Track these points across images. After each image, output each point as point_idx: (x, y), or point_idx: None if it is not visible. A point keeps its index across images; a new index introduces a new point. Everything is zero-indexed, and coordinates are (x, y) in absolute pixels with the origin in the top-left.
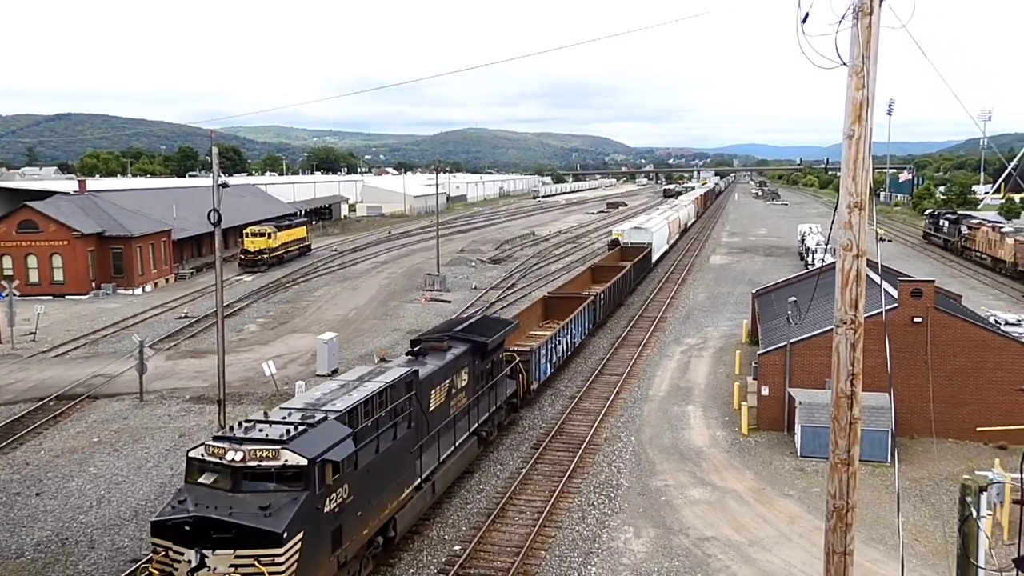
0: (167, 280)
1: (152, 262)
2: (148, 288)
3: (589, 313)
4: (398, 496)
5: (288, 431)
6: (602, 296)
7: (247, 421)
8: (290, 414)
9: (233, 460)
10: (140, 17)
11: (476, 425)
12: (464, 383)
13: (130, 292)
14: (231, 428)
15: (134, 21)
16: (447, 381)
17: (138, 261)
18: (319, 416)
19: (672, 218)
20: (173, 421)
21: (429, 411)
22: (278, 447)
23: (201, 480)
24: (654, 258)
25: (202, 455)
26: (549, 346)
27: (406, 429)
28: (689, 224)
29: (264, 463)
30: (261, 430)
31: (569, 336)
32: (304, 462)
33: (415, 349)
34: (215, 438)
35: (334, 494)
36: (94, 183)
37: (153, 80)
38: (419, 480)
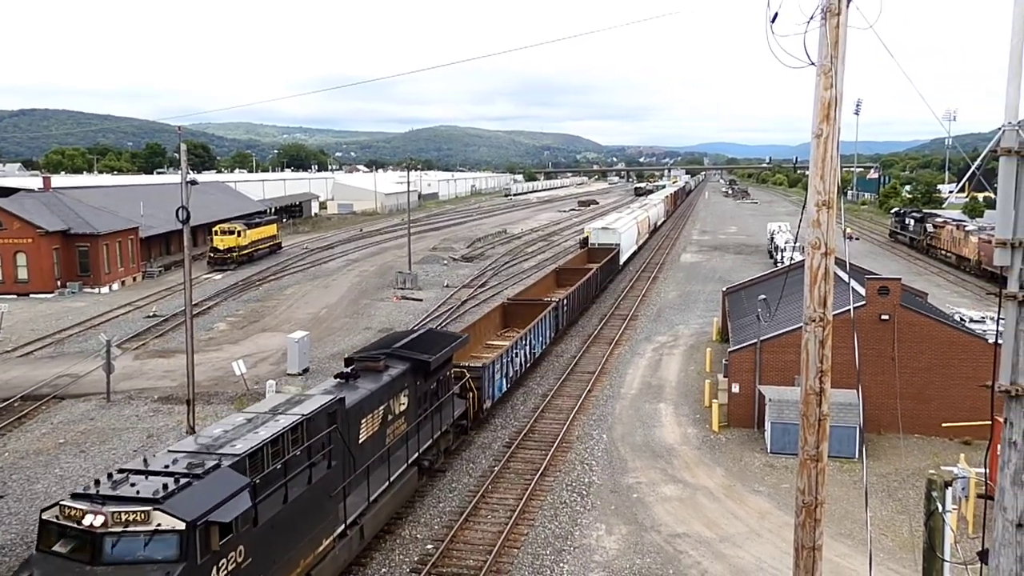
0: (135, 278)
1: (119, 260)
2: (115, 287)
3: (551, 321)
4: (314, 549)
5: (165, 486)
6: (565, 302)
7: (120, 472)
8: (175, 461)
9: (92, 525)
10: (106, 12)
11: (417, 454)
12: (403, 407)
13: (97, 291)
14: (96, 482)
15: (100, 16)
16: (382, 407)
17: (105, 259)
18: (210, 463)
19: (641, 217)
20: (141, 422)
21: (358, 443)
22: (149, 508)
23: (56, 548)
24: (622, 259)
25: (56, 517)
26: (504, 360)
27: (326, 469)
28: (659, 223)
29: (131, 528)
30: (133, 484)
31: (528, 347)
32: (181, 526)
33: (346, 371)
34: (74, 496)
35: (224, 560)
36: (59, 180)
37: (120, 76)
38: (343, 527)
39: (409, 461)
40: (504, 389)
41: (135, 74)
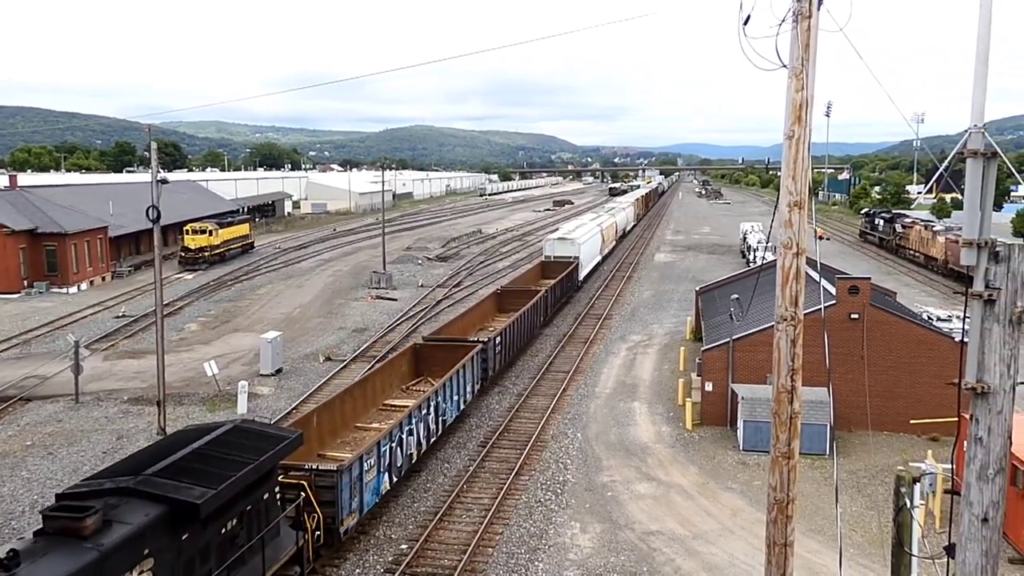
0: (104, 278)
1: (88, 260)
2: (84, 286)
3: (476, 367)
4: None
5: None
6: (498, 341)
7: None
8: None
9: None
10: (72, 8)
11: None
12: None
13: (64, 290)
14: None
15: (66, 12)
16: None
17: (73, 259)
18: None
19: (607, 224)
20: (111, 423)
21: None
22: None
23: None
24: (582, 274)
25: None
26: (386, 446)
27: None
28: (628, 229)
29: None
30: None
31: (436, 411)
32: None
33: (12, 550)
34: None
35: None
36: (26, 178)
37: (87, 73)
38: None
39: None
40: (384, 490)
41: (103, 71)
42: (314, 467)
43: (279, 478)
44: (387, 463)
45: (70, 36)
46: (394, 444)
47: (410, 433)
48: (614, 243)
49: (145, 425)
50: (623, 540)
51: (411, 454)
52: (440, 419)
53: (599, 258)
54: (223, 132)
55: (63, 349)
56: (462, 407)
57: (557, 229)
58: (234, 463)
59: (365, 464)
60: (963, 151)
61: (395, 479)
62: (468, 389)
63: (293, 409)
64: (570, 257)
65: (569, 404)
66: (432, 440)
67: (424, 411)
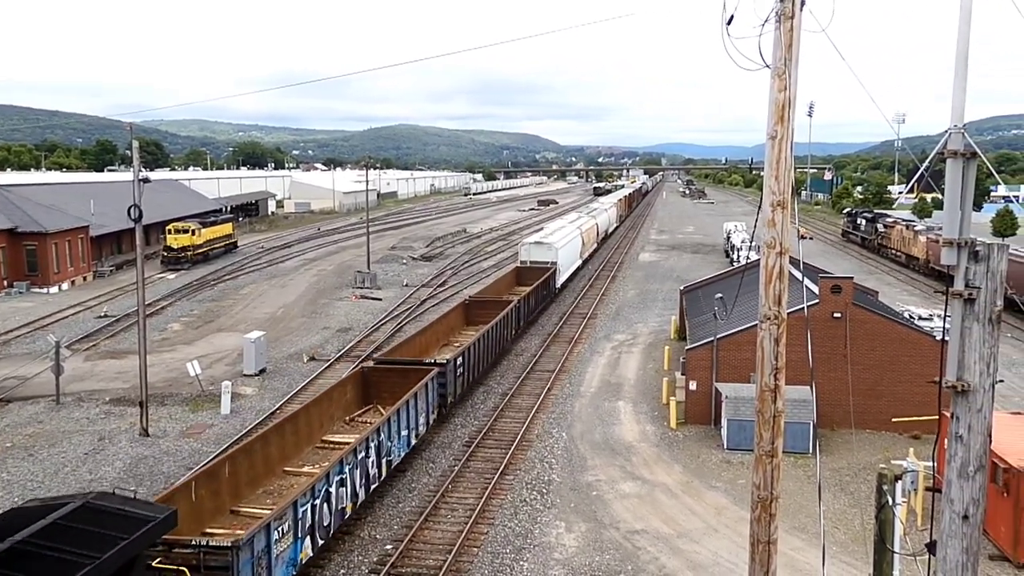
0: (85, 278)
1: (69, 259)
2: (64, 286)
3: (432, 393)
4: None
5: None
6: (459, 362)
7: None
8: None
9: None
10: (53, 5)
11: None
12: None
13: (45, 290)
14: None
15: (46, 9)
16: None
17: (54, 258)
18: None
19: (587, 226)
20: (92, 424)
21: None
22: None
23: None
24: (560, 280)
25: None
26: (311, 503)
27: None
28: (610, 231)
29: None
30: None
31: (378, 451)
32: None
33: None
34: None
35: None
36: (5, 177)
37: (67, 71)
38: None
39: None
40: (303, 559)
41: (84, 69)
42: (202, 543)
43: (154, 562)
44: (308, 525)
45: (50, 33)
46: (318, 500)
47: (342, 484)
48: (595, 246)
49: (127, 426)
50: (608, 539)
51: (343, 508)
52: (384, 460)
53: (579, 262)
54: (206, 131)
55: (44, 349)
56: (413, 442)
57: (539, 230)
58: (68, 565)
59: (275, 532)
60: (943, 151)
61: (321, 541)
62: (421, 421)
63: (275, 410)
64: (547, 263)
65: (554, 403)
66: (374, 487)
67: (362, 453)
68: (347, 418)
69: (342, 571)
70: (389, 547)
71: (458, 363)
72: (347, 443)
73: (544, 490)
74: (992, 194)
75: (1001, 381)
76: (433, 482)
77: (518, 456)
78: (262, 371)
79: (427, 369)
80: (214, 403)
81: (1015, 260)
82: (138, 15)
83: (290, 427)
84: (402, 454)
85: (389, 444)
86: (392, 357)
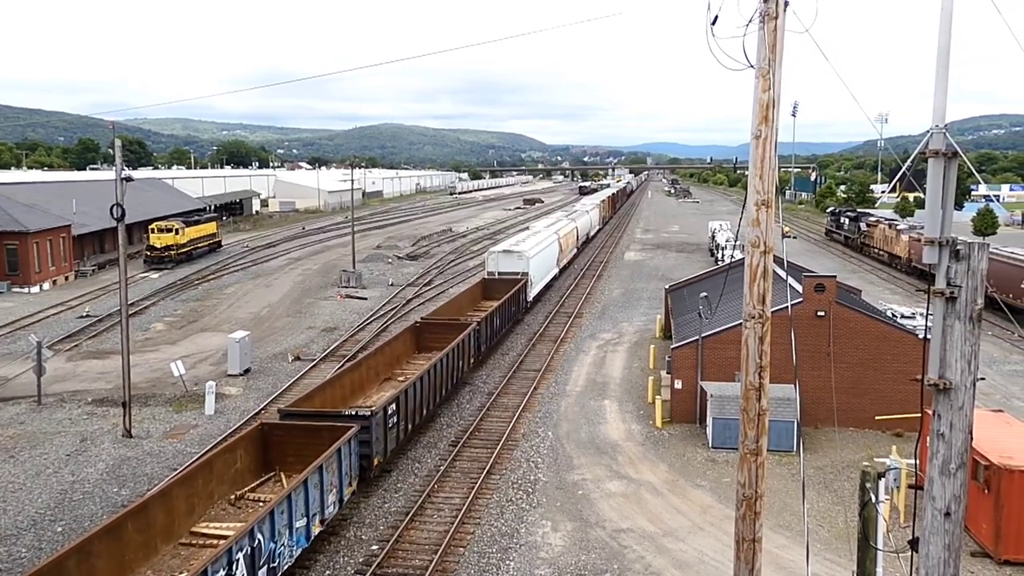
0: (67, 278)
1: (50, 259)
2: (46, 286)
3: (350, 458)
4: None
5: None
6: (391, 411)
7: None
8: None
9: None
10: (33, 2)
11: None
12: None
13: (26, 290)
14: None
15: (26, 6)
16: None
17: (35, 258)
18: None
19: (565, 230)
20: (74, 425)
21: None
22: None
23: None
24: (533, 292)
25: None
26: None
27: None
28: (592, 234)
29: None
30: None
31: (254, 554)
32: None
33: None
34: None
35: None
36: None
37: (49, 68)
38: None
39: None
40: None
41: (64, 67)
42: None
43: None
44: None
45: (30, 30)
46: None
47: None
48: (575, 251)
49: (110, 427)
50: (594, 538)
51: None
52: (266, 568)
53: (556, 271)
54: (189, 129)
55: (25, 350)
56: (315, 531)
57: (524, 229)
58: None
59: None
60: (925, 151)
61: None
62: (330, 500)
63: (262, 409)
64: (518, 273)
65: (540, 403)
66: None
67: (220, 573)
68: (234, 495)
69: (328, 572)
70: (375, 547)
71: (390, 411)
72: (222, 537)
73: (530, 489)
74: (973, 193)
75: (982, 379)
76: (419, 482)
77: (504, 455)
78: (247, 371)
79: (341, 429)
80: (198, 403)
81: (995, 259)
82: (119, 12)
83: (160, 507)
84: (296, 553)
85: (274, 544)
86: (302, 408)
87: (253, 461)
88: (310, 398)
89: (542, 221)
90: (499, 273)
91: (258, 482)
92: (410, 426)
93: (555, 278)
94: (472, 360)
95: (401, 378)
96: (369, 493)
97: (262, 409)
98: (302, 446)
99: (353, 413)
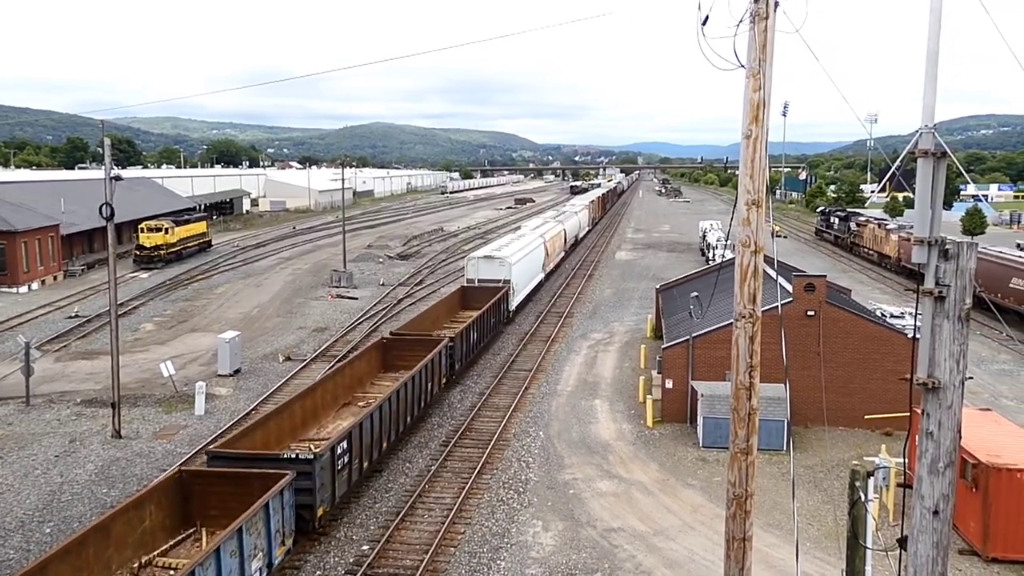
0: (55, 277)
1: (39, 258)
2: (34, 286)
3: (285, 510)
4: None
5: None
6: (341, 450)
7: None
8: None
9: None
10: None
11: None
12: None
13: (14, 290)
14: None
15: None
16: None
17: (23, 257)
18: None
19: (552, 233)
20: (63, 426)
21: None
22: None
23: None
24: (516, 301)
25: None
26: None
27: None
28: (580, 236)
29: None
30: None
31: None
32: None
33: None
34: None
35: None
36: None
37: (38, 66)
38: None
39: None
40: None
41: (54, 66)
42: None
43: None
44: None
45: (19, 28)
46: None
47: None
48: (563, 254)
49: (99, 428)
50: (585, 537)
51: None
52: None
53: (541, 276)
54: (178, 128)
55: (13, 350)
56: None
57: (515, 229)
58: None
59: None
60: (914, 151)
61: None
62: (254, 568)
63: (252, 410)
64: (499, 281)
65: (531, 402)
66: None
67: None
68: (138, 563)
69: (318, 572)
70: (366, 547)
71: (341, 450)
72: None
73: (521, 489)
74: (962, 193)
75: (970, 378)
76: (410, 482)
77: (495, 455)
78: (237, 371)
79: (274, 476)
80: (188, 404)
81: (984, 259)
82: (109, 11)
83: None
84: None
85: None
86: (235, 449)
87: (169, 516)
88: (250, 433)
89: (532, 221)
90: (479, 280)
91: (174, 542)
92: (366, 464)
93: (542, 283)
94: (445, 379)
95: (363, 403)
96: (359, 494)
97: (252, 409)
98: (229, 496)
99: (292, 456)
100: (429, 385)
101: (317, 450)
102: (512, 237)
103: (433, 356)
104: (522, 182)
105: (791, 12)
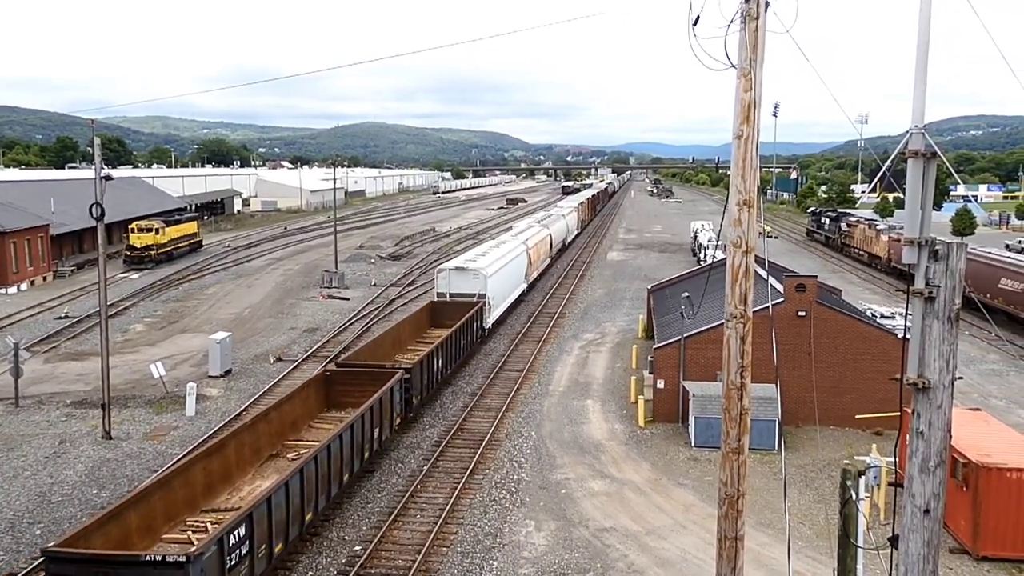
0: (45, 278)
1: (28, 259)
2: (24, 287)
3: None
4: None
5: None
6: (244, 536)
7: None
8: None
9: None
10: None
11: None
12: None
13: (4, 291)
14: None
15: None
16: None
17: (12, 258)
18: None
19: (536, 239)
20: (53, 427)
21: None
22: None
23: None
24: (492, 317)
25: None
26: None
27: None
28: (568, 241)
29: None
30: None
31: None
32: None
33: None
34: None
35: None
36: None
37: (27, 65)
38: None
39: None
40: None
41: (43, 64)
42: None
43: None
44: None
45: (5, 27)
46: None
47: None
48: (548, 261)
49: (89, 429)
50: (577, 537)
51: None
52: None
53: (523, 286)
54: (169, 127)
55: (2, 351)
56: None
57: (507, 229)
58: None
59: None
60: (904, 151)
61: None
62: None
63: (241, 411)
64: (473, 295)
65: (523, 403)
66: None
67: None
68: None
69: (310, 573)
70: (358, 548)
71: (236, 538)
72: None
73: (513, 489)
74: (952, 194)
75: (960, 378)
76: (402, 482)
77: (487, 455)
78: (228, 372)
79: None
80: (179, 405)
81: (973, 259)
82: (99, 9)
83: None
84: None
85: None
86: (81, 550)
87: None
88: (121, 514)
89: (522, 222)
90: (451, 295)
91: None
92: (280, 545)
93: (523, 294)
94: (399, 419)
95: (293, 454)
96: (352, 495)
97: (243, 410)
98: None
99: (159, 559)
100: (376, 431)
101: (192, 551)
102: (491, 244)
103: (383, 394)
104: (514, 182)
105: (782, 12)
